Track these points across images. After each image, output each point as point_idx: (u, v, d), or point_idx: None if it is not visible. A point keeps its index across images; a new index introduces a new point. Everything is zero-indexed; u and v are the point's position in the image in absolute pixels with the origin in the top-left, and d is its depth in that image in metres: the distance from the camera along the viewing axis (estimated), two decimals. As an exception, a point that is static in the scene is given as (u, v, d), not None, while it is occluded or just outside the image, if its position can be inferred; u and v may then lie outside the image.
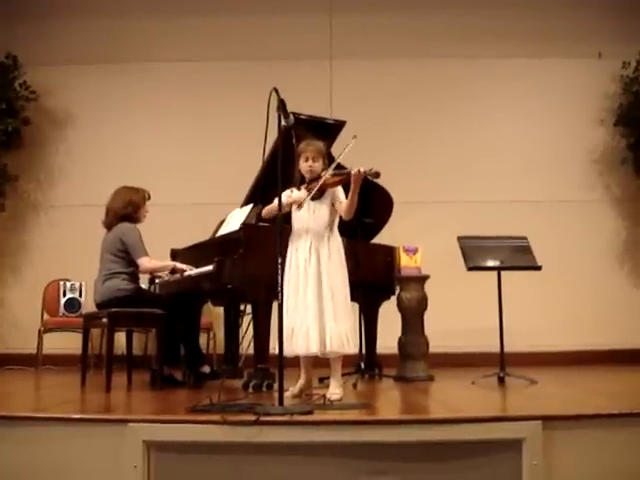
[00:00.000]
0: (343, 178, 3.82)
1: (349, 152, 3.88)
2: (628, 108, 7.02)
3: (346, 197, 3.87)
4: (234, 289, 4.38)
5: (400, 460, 2.98)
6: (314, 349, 3.74)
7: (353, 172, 3.72)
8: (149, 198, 4.91)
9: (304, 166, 3.92)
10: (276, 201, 3.56)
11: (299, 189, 3.92)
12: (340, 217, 3.96)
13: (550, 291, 6.70)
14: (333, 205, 3.92)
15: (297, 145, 3.91)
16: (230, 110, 7.03)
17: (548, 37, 7.20)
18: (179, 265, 4.81)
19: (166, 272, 4.97)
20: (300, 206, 3.84)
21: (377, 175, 3.77)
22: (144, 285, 5.17)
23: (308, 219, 3.89)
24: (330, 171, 3.85)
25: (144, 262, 4.69)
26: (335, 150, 4.53)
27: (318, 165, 3.91)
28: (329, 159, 4.08)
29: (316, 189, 3.81)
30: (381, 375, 5.39)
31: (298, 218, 3.92)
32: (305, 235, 3.88)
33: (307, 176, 3.92)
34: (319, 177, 3.87)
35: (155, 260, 4.81)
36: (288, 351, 3.57)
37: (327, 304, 3.77)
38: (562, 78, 7.23)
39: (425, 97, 7.21)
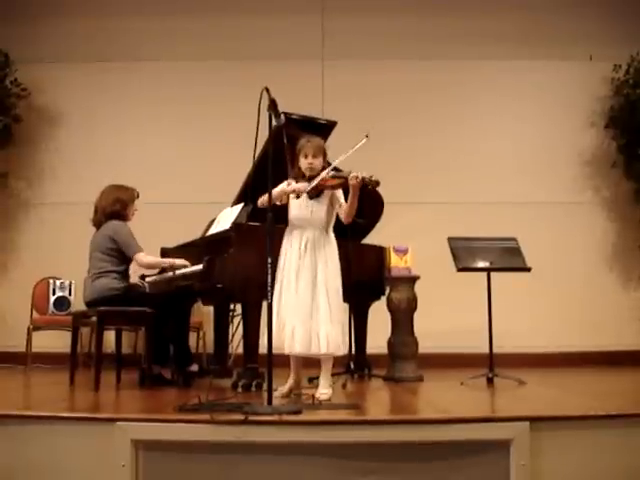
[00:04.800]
0: (342, 182, 3.78)
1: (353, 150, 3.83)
2: (619, 111, 7.05)
3: (345, 199, 3.86)
4: (224, 288, 4.38)
5: (389, 460, 2.99)
6: (297, 349, 3.75)
7: (351, 176, 3.68)
8: (138, 196, 4.88)
9: (304, 163, 3.88)
10: (277, 188, 3.77)
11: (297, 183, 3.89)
12: (336, 218, 3.96)
13: (539, 292, 6.72)
14: (331, 205, 3.91)
15: (290, 143, 3.88)
16: (221, 110, 7.02)
17: (539, 39, 7.23)
18: (178, 261, 4.71)
19: (156, 270, 4.95)
20: (299, 196, 3.81)
21: (377, 184, 3.70)
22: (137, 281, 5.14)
23: (305, 218, 3.89)
24: (329, 171, 3.82)
25: (140, 257, 4.64)
26: (334, 149, 4.49)
27: (318, 162, 3.88)
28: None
29: (315, 182, 3.76)
30: (370, 375, 5.39)
31: (295, 216, 3.92)
32: (301, 234, 3.88)
33: (307, 173, 3.88)
34: (319, 174, 3.83)
35: (150, 256, 4.78)
36: (277, 345, 3.56)
37: (323, 306, 3.76)
38: (553, 80, 7.25)
39: (416, 98, 7.22)
